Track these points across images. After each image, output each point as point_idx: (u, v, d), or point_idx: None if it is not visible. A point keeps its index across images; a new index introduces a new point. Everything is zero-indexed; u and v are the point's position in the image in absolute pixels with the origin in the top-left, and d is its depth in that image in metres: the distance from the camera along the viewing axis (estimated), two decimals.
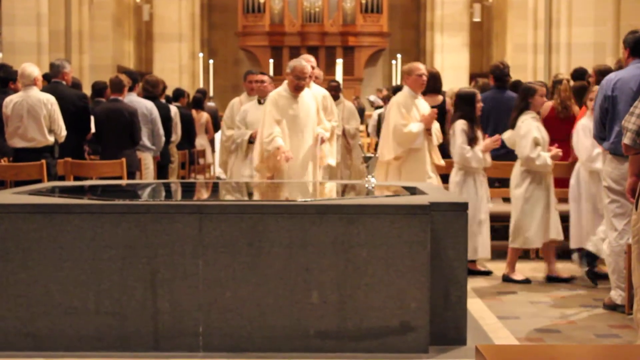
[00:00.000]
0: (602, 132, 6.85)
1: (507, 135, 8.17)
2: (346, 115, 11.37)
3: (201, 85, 23.13)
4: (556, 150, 8.07)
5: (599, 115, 6.85)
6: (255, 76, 9.95)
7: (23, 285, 5.01)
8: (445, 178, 10.20)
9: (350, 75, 26.45)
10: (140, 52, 25.54)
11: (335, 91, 11.46)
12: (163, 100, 11.98)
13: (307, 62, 8.66)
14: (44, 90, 9.46)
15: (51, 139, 9.21)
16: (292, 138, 8.19)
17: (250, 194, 6.74)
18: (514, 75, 11.62)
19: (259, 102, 9.32)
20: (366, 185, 6.35)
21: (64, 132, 9.26)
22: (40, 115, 9.10)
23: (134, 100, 10.39)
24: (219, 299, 4.98)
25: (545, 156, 7.94)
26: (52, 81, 9.96)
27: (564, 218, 8.64)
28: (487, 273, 8.34)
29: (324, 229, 4.97)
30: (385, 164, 8.45)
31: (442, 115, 10.24)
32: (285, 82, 8.28)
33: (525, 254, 9.20)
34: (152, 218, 5.00)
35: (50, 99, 9.18)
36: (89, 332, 4.99)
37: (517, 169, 8.08)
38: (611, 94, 6.72)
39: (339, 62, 21.45)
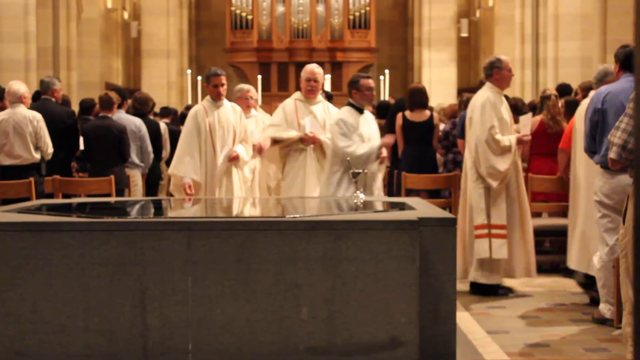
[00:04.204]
0: (593, 145, 6.87)
1: None
2: None
3: (189, 102, 23.11)
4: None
5: (589, 128, 6.87)
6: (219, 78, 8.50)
7: (11, 303, 4.99)
8: (435, 194, 10.23)
9: (339, 90, 26.46)
10: (128, 69, 25.54)
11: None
12: (152, 117, 11.97)
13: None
14: (33, 107, 9.46)
15: (37, 156, 9.20)
16: None
17: (238, 211, 6.74)
18: None
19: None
20: (355, 201, 6.36)
21: (50, 149, 9.25)
22: (26, 132, 9.10)
23: (123, 117, 10.40)
24: (208, 316, 4.98)
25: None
26: (41, 98, 9.96)
27: (559, 233, 8.72)
28: None
29: (312, 245, 4.97)
30: None
31: (429, 131, 10.28)
32: None
33: None
34: (140, 235, 4.99)
35: (36, 116, 9.18)
36: (78, 350, 4.98)
37: None
38: (601, 106, 6.75)
39: (327, 78, 21.48)
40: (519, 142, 8.03)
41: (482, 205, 7.90)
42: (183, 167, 8.34)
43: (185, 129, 8.51)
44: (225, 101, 8.51)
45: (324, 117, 8.39)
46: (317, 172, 8.24)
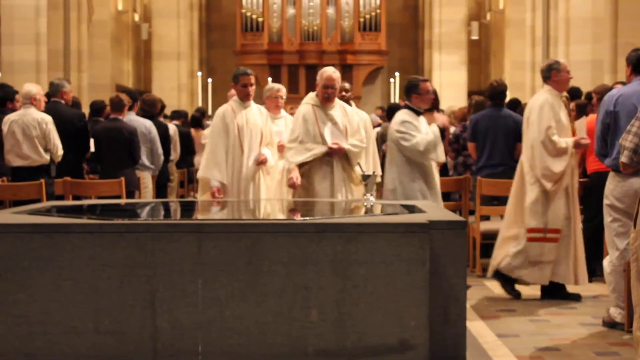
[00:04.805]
0: (604, 148, 6.83)
1: None
2: None
3: (200, 104, 23.17)
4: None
5: (600, 131, 6.84)
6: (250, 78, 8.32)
7: (22, 305, 5.00)
8: (446, 197, 10.21)
9: None
10: (139, 71, 25.59)
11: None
12: (161, 119, 11.99)
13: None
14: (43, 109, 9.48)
15: (47, 157, 9.23)
16: None
17: (249, 213, 6.74)
18: (512, 93, 11.68)
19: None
20: (364, 204, 6.36)
21: (60, 151, 9.28)
22: (33, 134, 9.14)
23: (133, 119, 10.41)
24: (218, 318, 4.98)
25: None
26: (50, 100, 9.98)
27: None
28: None
29: (322, 248, 4.97)
30: None
31: (440, 134, 10.26)
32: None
33: None
34: (151, 237, 4.99)
35: (45, 119, 9.20)
36: (87, 352, 4.98)
37: None
38: (613, 109, 6.72)
39: None
40: (577, 145, 7.83)
41: (538, 209, 7.74)
42: (212, 170, 8.09)
43: (213, 130, 8.25)
44: (252, 102, 8.30)
45: (344, 122, 7.99)
46: (344, 180, 7.99)
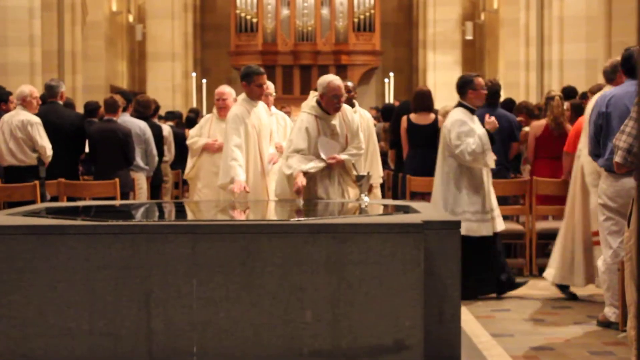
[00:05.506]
0: (597, 148, 6.85)
1: None
2: None
3: (194, 105, 23.15)
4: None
5: (593, 132, 6.86)
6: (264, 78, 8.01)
7: (17, 306, 5.00)
8: None
9: None
10: (133, 72, 25.57)
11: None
12: (155, 120, 11.97)
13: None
14: (41, 110, 9.50)
15: (34, 156, 9.27)
16: None
17: (243, 214, 6.75)
18: (507, 93, 11.68)
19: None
20: (359, 204, 6.36)
21: (49, 152, 9.31)
22: (18, 135, 9.20)
23: (128, 120, 10.40)
24: (213, 319, 4.98)
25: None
26: (48, 101, 9.98)
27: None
28: None
29: (317, 248, 4.97)
30: None
31: (434, 134, 10.27)
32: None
33: (519, 271, 9.21)
34: (145, 238, 5.00)
35: (31, 120, 9.23)
36: (83, 353, 4.99)
37: None
38: (605, 110, 6.73)
39: None
40: None
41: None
42: (237, 169, 7.63)
43: (232, 133, 7.76)
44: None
45: (344, 130, 7.53)
46: (345, 189, 7.74)
